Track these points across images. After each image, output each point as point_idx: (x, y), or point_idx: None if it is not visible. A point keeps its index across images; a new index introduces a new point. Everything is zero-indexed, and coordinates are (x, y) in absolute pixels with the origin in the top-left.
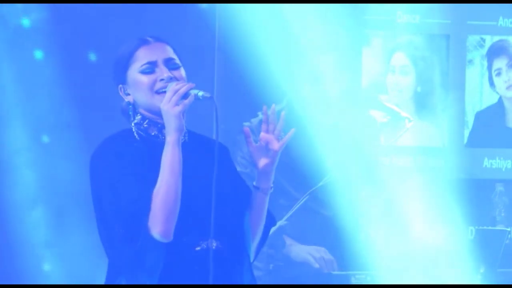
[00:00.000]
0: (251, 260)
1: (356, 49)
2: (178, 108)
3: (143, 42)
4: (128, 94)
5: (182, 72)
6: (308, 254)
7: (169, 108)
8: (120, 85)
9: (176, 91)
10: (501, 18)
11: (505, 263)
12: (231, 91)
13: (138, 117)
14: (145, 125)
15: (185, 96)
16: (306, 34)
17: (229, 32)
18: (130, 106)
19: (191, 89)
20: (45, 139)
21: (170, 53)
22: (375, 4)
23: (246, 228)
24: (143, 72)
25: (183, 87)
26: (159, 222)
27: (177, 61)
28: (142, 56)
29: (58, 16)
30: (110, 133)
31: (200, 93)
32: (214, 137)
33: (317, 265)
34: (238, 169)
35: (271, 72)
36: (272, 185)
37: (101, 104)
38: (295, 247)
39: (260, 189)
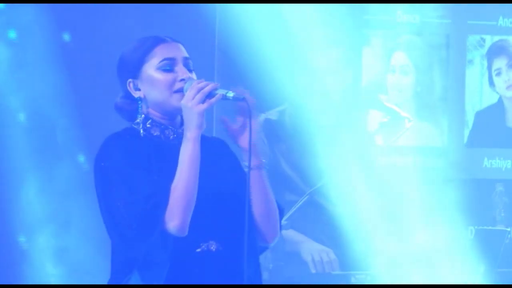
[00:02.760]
0: (274, 240)
1: (356, 49)
2: (203, 106)
3: (162, 40)
4: (139, 90)
5: (194, 75)
6: (309, 255)
7: (193, 106)
8: (130, 80)
9: (200, 89)
10: (501, 18)
11: (505, 263)
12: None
13: (142, 116)
14: (148, 125)
15: (209, 95)
16: (306, 34)
17: (230, 32)
18: (140, 102)
19: (216, 89)
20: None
21: (186, 53)
22: (375, 4)
23: (248, 227)
24: (162, 69)
25: (208, 86)
26: (176, 216)
27: (191, 62)
28: (161, 53)
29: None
30: (109, 132)
31: (231, 94)
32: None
33: (313, 271)
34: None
35: (271, 72)
36: (264, 160)
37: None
38: (305, 244)
39: (252, 167)
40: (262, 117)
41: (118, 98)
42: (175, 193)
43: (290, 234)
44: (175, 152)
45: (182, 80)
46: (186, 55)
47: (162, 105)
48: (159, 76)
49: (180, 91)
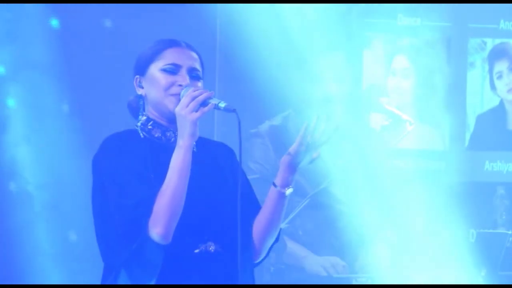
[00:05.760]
0: (260, 259)
1: (357, 52)
2: (196, 115)
3: (175, 44)
4: (142, 87)
5: (201, 84)
6: (320, 267)
7: (187, 114)
8: (137, 76)
9: (194, 98)
10: (502, 21)
11: (506, 266)
12: (232, 93)
13: (143, 118)
14: (149, 127)
15: (203, 103)
16: (307, 36)
17: (231, 33)
18: (141, 100)
19: (210, 98)
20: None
21: (197, 63)
22: (376, 7)
23: (248, 231)
24: (165, 70)
25: (202, 95)
26: (161, 224)
27: (200, 73)
28: (169, 56)
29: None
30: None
31: (222, 104)
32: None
33: (325, 274)
34: (249, 175)
35: (272, 74)
36: (291, 185)
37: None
38: (309, 259)
39: (277, 186)
40: (266, 123)
41: (131, 97)
42: (161, 200)
43: (292, 247)
44: None
45: (180, 85)
46: (195, 65)
47: (158, 105)
48: (159, 76)
49: (176, 95)
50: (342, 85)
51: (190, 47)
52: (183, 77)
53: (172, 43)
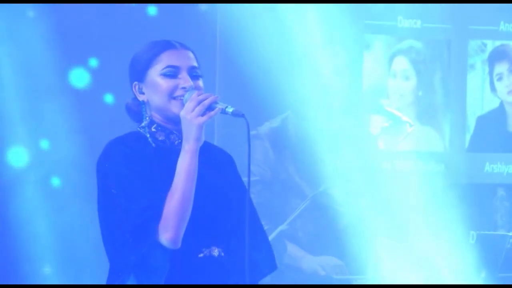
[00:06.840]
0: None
1: (357, 54)
2: (203, 119)
3: (170, 46)
4: (143, 93)
5: (201, 82)
6: (317, 265)
7: (193, 118)
8: (136, 82)
9: (200, 102)
10: (502, 23)
11: (506, 267)
12: (232, 94)
13: (147, 120)
14: (153, 130)
15: (210, 107)
16: (308, 37)
17: (231, 33)
18: (143, 106)
19: (216, 102)
20: (45, 143)
21: (194, 61)
22: (376, 9)
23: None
24: (165, 75)
25: (208, 99)
26: (170, 228)
27: (199, 71)
28: (167, 59)
29: (59, 17)
30: (113, 136)
31: (230, 109)
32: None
33: (323, 272)
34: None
35: (273, 75)
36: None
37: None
38: (306, 259)
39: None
40: (266, 125)
41: (129, 99)
42: (169, 205)
43: (289, 248)
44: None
45: (183, 88)
46: (193, 64)
47: (163, 110)
48: (161, 81)
49: (180, 98)
50: (342, 78)
51: (184, 47)
52: (185, 79)
53: (167, 45)
